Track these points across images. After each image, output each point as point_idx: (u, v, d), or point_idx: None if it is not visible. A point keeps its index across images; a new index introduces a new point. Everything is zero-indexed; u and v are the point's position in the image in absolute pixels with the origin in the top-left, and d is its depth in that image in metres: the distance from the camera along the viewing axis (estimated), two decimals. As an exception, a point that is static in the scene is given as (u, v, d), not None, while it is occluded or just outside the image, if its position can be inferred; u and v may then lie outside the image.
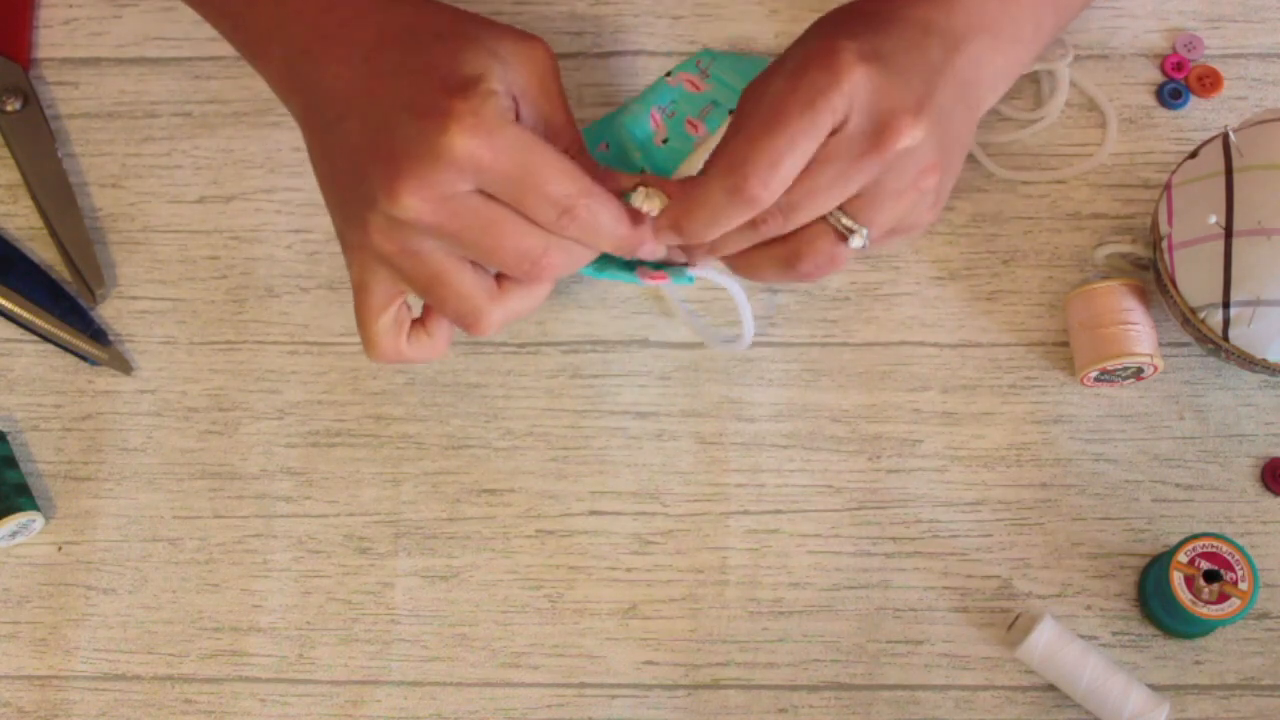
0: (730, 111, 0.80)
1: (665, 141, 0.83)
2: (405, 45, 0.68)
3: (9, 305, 0.84)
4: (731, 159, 0.67)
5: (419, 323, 0.72)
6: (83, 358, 0.84)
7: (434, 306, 0.70)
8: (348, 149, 0.67)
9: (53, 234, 0.85)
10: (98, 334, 0.83)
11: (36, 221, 0.86)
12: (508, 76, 0.67)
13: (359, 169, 0.66)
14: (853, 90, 0.67)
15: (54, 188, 0.86)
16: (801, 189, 0.67)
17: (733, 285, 0.76)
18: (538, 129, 0.69)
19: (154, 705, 0.80)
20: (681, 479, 0.81)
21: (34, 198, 0.86)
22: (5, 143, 0.87)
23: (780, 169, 0.66)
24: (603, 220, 0.67)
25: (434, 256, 0.67)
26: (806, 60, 0.68)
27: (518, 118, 0.68)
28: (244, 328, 0.85)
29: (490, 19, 0.70)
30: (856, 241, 0.70)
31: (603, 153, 0.82)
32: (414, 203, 0.65)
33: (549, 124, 0.70)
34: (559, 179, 0.65)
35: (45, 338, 0.84)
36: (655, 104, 0.84)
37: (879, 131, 0.67)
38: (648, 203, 0.69)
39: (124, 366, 0.83)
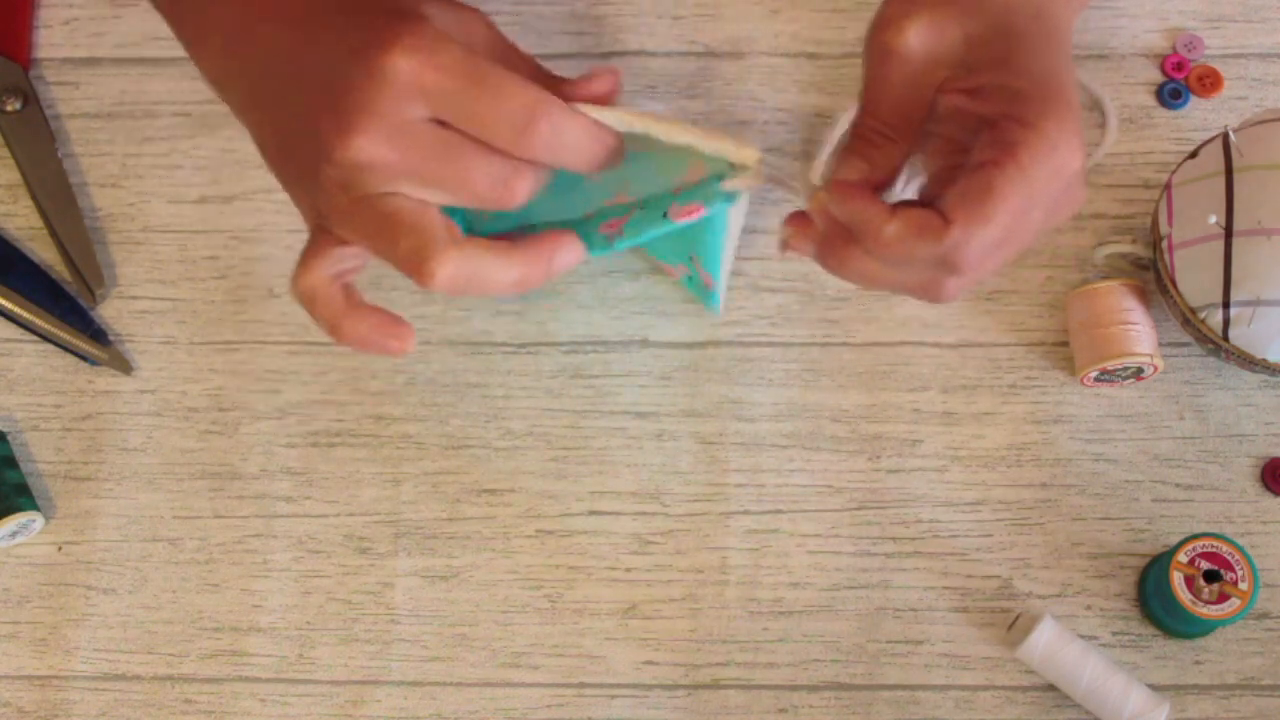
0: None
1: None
2: (341, 5, 0.65)
3: (9, 305, 0.84)
4: (960, 233, 0.62)
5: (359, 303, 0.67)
6: (83, 358, 0.84)
7: (385, 255, 0.64)
8: (298, 112, 0.64)
9: (53, 234, 0.85)
10: (98, 334, 0.83)
11: (36, 221, 0.86)
12: (448, 25, 0.64)
13: (310, 128, 0.63)
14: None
15: (54, 188, 0.86)
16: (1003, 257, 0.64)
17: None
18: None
19: (154, 705, 0.80)
20: (681, 479, 0.81)
21: (34, 198, 0.86)
22: (5, 143, 0.87)
23: (989, 259, 0.63)
24: (568, 135, 0.63)
25: (387, 199, 0.63)
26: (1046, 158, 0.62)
27: None
28: (244, 328, 0.85)
29: None
30: None
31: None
32: (365, 142, 0.61)
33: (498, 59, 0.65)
34: (513, 90, 0.61)
35: (45, 338, 0.84)
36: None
37: (1062, 198, 0.64)
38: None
39: (124, 366, 0.83)
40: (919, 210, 0.63)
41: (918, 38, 0.65)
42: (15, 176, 0.87)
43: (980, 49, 0.64)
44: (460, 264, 0.63)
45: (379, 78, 0.61)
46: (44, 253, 0.86)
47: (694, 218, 0.70)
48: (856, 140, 0.66)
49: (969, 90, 0.64)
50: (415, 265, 0.63)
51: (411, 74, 0.61)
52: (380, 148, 0.61)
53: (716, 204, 0.70)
